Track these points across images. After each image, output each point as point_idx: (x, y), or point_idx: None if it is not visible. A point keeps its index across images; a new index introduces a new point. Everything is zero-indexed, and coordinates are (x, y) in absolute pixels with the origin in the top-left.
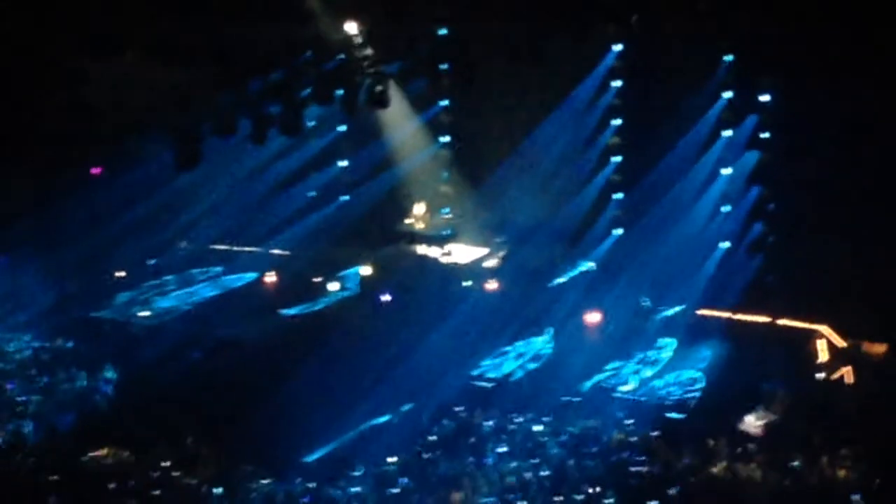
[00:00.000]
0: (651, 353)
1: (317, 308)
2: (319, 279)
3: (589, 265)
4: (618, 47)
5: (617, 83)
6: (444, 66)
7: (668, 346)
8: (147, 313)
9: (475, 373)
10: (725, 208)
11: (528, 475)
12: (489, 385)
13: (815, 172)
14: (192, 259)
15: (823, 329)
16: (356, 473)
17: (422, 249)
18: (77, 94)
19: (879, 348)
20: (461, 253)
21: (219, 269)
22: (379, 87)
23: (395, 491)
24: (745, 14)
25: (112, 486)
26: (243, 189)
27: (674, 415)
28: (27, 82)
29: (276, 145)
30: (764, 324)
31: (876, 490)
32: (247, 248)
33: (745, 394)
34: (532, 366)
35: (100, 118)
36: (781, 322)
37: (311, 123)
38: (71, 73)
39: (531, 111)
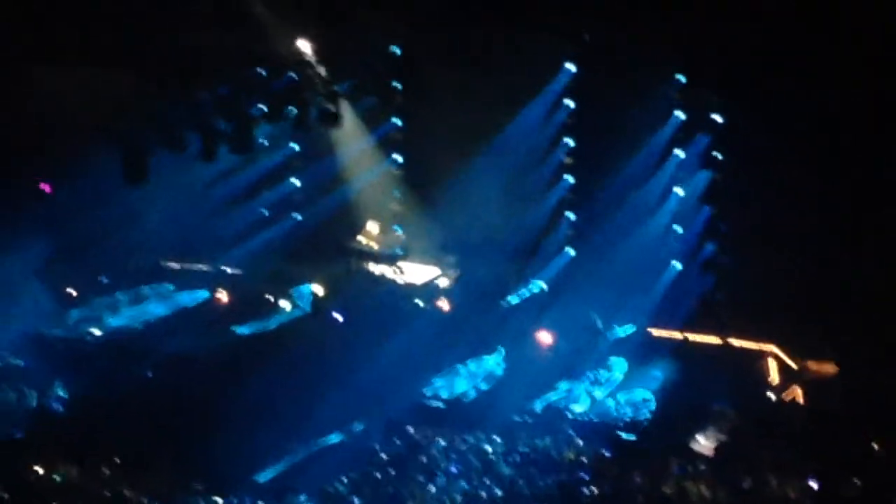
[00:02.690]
0: (603, 373)
1: (269, 326)
2: (272, 297)
3: (541, 284)
4: (571, 66)
5: (570, 102)
6: (395, 84)
7: (619, 366)
8: (98, 331)
9: (427, 392)
10: (677, 228)
11: (480, 494)
12: (441, 404)
13: (766, 192)
14: (143, 276)
15: (774, 349)
16: (306, 493)
17: (374, 268)
18: (25, 107)
19: (829, 368)
20: (413, 271)
21: (170, 286)
22: (330, 106)
23: None
24: (699, 34)
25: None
26: (195, 205)
27: (625, 434)
28: None
29: (228, 162)
30: (715, 344)
31: None
32: (199, 266)
33: (696, 414)
34: (484, 385)
35: (49, 131)
36: (732, 342)
37: (263, 141)
38: (20, 87)
39: (483, 129)
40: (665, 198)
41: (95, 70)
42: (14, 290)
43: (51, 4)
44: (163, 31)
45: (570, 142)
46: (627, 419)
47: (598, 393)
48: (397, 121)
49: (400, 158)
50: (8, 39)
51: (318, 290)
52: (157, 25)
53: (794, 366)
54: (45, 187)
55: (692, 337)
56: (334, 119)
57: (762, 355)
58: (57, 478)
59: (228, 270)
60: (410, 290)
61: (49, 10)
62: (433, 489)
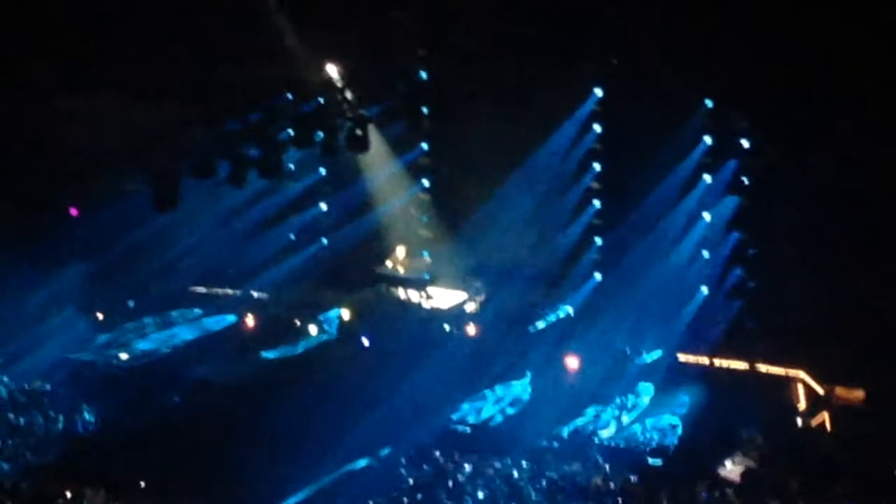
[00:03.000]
0: (630, 398)
1: (297, 351)
2: (299, 322)
3: (568, 309)
4: (598, 92)
5: (597, 127)
6: (423, 109)
7: (646, 392)
8: (126, 355)
9: (454, 417)
10: (705, 253)
11: None
12: (468, 429)
13: (794, 217)
14: (171, 301)
15: (802, 375)
16: None
17: (401, 293)
18: (55, 133)
19: (857, 394)
20: (441, 296)
21: (198, 311)
22: (359, 131)
23: None
24: (726, 59)
25: None
26: (223, 230)
27: (652, 460)
28: (5, 121)
29: (256, 187)
30: (743, 369)
31: None
32: (226, 290)
33: (724, 439)
34: (511, 410)
35: (78, 157)
36: (760, 368)
37: (291, 166)
38: (50, 112)
39: (511, 154)
40: (692, 223)
41: (127, 98)
42: (43, 314)
43: (83, 36)
44: (193, 59)
45: (598, 167)
46: (654, 444)
47: (626, 418)
48: (425, 146)
49: (427, 183)
50: (42, 69)
51: (346, 314)
52: (188, 54)
53: (821, 391)
54: (73, 211)
55: (720, 362)
56: (362, 144)
57: (790, 381)
58: (84, 502)
59: (256, 295)
60: (438, 314)
61: (81, 41)
62: None
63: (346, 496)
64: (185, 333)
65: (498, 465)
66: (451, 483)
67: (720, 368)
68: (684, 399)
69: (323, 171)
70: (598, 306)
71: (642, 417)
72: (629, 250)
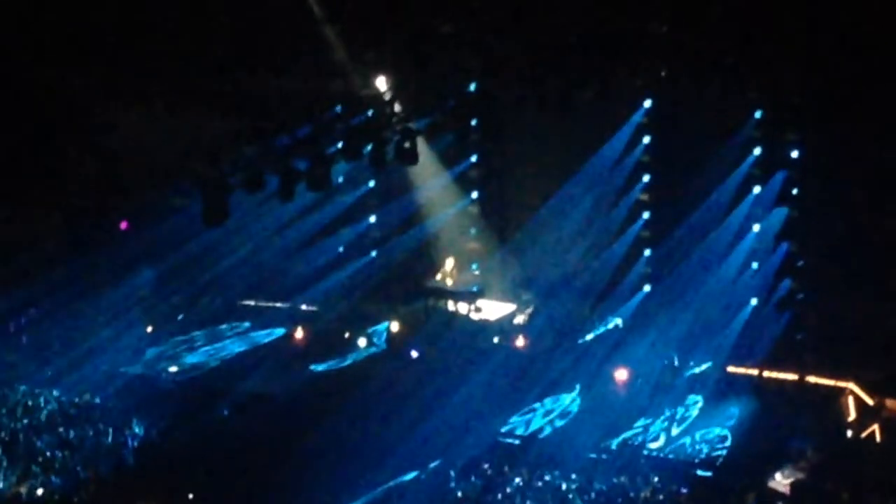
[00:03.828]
0: (679, 410)
1: (345, 364)
2: (348, 335)
3: (617, 321)
4: (647, 103)
5: (646, 139)
6: (472, 122)
7: (696, 403)
8: (175, 368)
9: (503, 429)
10: (754, 264)
11: None
12: (517, 442)
13: (844, 229)
14: (220, 314)
15: (852, 386)
16: None
17: (450, 305)
18: (105, 146)
19: None
20: (490, 309)
21: (247, 324)
22: (407, 143)
23: None
24: (774, 69)
25: None
26: (271, 244)
27: (702, 472)
28: (55, 133)
29: (305, 200)
30: (792, 381)
31: None
32: (275, 304)
33: (774, 451)
34: (560, 422)
35: (128, 171)
36: (810, 379)
37: (340, 179)
38: (99, 125)
39: (560, 167)
40: (742, 234)
41: (175, 111)
42: (93, 328)
43: (132, 46)
44: (243, 72)
45: (647, 178)
46: (704, 456)
47: (675, 430)
48: (474, 158)
49: (476, 196)
50: (90, 79)
51: (395, 327)
52: (237, 67)
53: (872, 403)
54: (123, 225)
55: (769, 374)
56: (411, 156)
57: (840, 392)
58: None
59: (305, 308)
60: (487, 327)
61: (130, 52)
62: None
63: None
64: (234, 346)
65: (547, 477)
66: (500, 495)
67: (770, 380)
68: (734, 411)
69: (372, 183)
70: (647, 318)
71: (691, 429)
72: (678, 262)
